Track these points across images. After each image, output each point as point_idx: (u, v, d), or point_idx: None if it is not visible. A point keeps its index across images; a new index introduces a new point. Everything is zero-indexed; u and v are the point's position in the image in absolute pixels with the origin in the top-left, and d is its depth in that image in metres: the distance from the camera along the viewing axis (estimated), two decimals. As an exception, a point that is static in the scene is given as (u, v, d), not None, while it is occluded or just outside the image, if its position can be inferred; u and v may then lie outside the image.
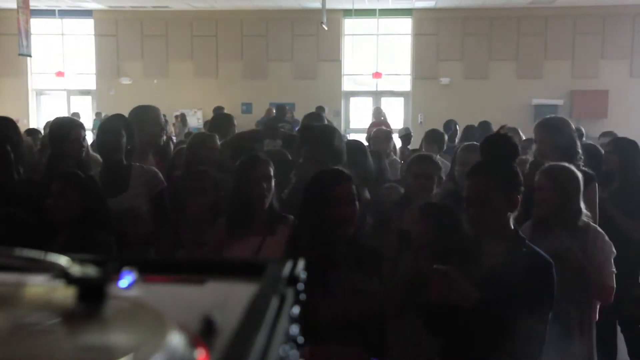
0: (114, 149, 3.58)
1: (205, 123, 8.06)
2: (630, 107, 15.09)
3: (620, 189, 4.26)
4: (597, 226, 3.21)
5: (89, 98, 17.14)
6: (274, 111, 11.97)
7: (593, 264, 3.06)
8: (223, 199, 3.44)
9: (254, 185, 3.00)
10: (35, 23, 12.72)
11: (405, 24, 16.42)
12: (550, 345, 2.87)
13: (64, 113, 15.04)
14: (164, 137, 4.42)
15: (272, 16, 16.02)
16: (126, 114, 4.00)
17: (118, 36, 16.63)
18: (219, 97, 14.83)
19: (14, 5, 9.49)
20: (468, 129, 7.19)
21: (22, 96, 16.74)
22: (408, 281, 2.70)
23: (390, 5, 15.46)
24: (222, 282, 0.78)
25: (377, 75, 16.28)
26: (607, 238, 3.13)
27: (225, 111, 12.11)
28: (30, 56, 10.30)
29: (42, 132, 7.34)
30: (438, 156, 6.27)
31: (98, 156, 3.99)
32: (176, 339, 0.57)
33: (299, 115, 12.57)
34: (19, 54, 9.45)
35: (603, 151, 4.84)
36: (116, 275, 0.67)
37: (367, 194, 3.62)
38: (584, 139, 7.51)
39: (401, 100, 16.61)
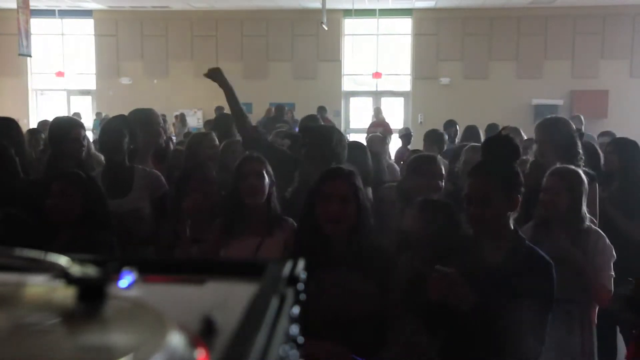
0: (116, 150, 3.57)
1: (206, 123, 8.06)
2: (630, 107, 15.09)
3: (621, 189, 4.25)
4: (598, 229, 3.22)
5: (89, 98, 17.14)
6: (273, 111, 11.97)
7: (593, 267, 3.06)
8: (224, 199, 3.45)
9: (243, 181, 2.98)
10: (35, 23, 12.72)
11: (405, 24, 16.42)
12: (552, 346, 2.87)
13: (64, 113, 15.04)
14: (163, 139, 4.42)
15: (272, 16, 16.02)
16: (125, 115, 4.00)
17: (118, 36, 16.64)
18: (219, 97, 14.67)
19: (14, 5, 9.49)
20: (468, 129, 7.19)
21: (22, 96, 16.74)
22: (407, 281, 2.69)
23: (390, 5, 15.46)
24: (222, 282, 0.78)
25: (377, 75, 16.28)
26: (608, 242, 3.14)
27: (226, 111, 12.11)
28: (30, 56, 10.30)
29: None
30: (438, 156, 6.28)
31: (101, 156, 3.99)
32: (176, 339, 0.57)
33: (299, 115, 12.57)
34: (19, 54, 9.46)
35: (599, 149, 4.85)
36: (116, 275, 0.67)
37: (369, 194, 3.62)
38: (582, 128, 7.53)
39: (401, 100, 16.61)
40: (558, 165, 3.30)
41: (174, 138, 9.44)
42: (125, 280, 0.68)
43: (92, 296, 0.64)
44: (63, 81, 16.70)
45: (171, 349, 0.56)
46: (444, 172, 3.70)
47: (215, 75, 4.03)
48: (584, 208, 3.14)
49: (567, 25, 15.49)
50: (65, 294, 0.65)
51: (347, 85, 16.70)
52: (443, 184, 3.62)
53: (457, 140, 7.23)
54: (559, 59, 15.57)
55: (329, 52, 16.18)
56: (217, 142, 4.44)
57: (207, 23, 16.24)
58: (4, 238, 2.77)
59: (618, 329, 4.31)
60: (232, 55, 16.32)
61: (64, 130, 3.85)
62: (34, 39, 10.11)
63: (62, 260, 0.67)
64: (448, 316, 2.24)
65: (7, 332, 0.58)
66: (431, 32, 15.93)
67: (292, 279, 0.77)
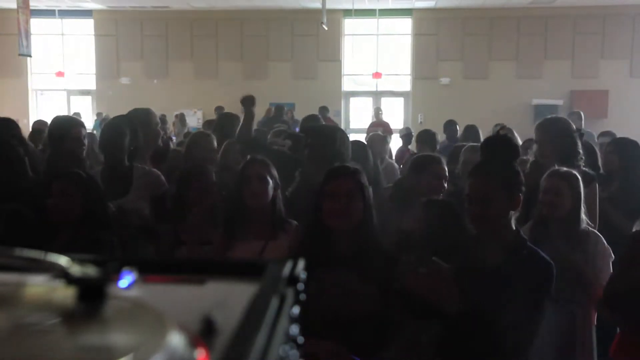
0: (117, 150, 3.57)
1: (205, 123, 8.06)
2: (630, 107, 15.09)
3: (621, 189, 4.25)
4: (595, 231, 3.22)
5: (89, 98, 17.14)
6: (273, 111, 11.97)
7: (593, 268, 3.07)
8: (224, 199, 3.45)
9: (246, 184, 2.98)
10: (35, 23, 12.72)
11: (405, 24, 16.42)
12: (553, 346, 2.88)
13: (64, 113, 15.04)
14: (162, 140, 4.42)
15: (272, 16, 16.02)
16: (127, 115, 4.00)
17: (118, 36, 16.64)
18: (219, 97, 14.82)
19: (14, 5, 9.49)
20: (468, 129, 7.21)
21: (22, 96, 16.74)
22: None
23: (390, 5, 15.46)
24: (222, 282, 0.78)
25: (377, 75, 16.28)
26: (606, 243, 3.14)
27: (226, 111, 12.10)
28: (30, 56, 10.30)
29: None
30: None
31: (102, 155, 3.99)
32: (176, 339, 0.57)
33: (299, 115, 12.57)
34: (19, 54, 9.46)
35: (597, 149, 4.85)
36: (116, 275, 0.67)
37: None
38: (582, 124, 7.53)
39: (401, 100, 16.61)
40: (556, 166, 3.31)
41: (174, 138, 9.44)
42: (125, 280, 0.68)
43: (92, 296, 0.64)
44: (63, 81, 16.70)
45: (171, 349, 0.56)
46: (447, 173, 3.70)
47: (248, 102, 4.17)
48: (583, 210, 3.15)
49: (567, 25, 15.49)
50: (65, 294, 0.65)
51: (347, 85, 16.70)
52: (445, 184, 3.63)
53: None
54: (559, 59, 15.57)
55: (329, 52, 16.18)
56: (214, 143, 4.45)
57: (207, 23, 16.24)
58: (8, 235, 2.78)
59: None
60: (232, 55, 16.32)
61: (64, 129, 3.85)
62: (34, 39, 10.11)
63: (62, 260, 0.67)
64: (439, 316, 2.24)
65: (7, 332, 0.58)
66: (431, 32, 15.93)
67: (292, 279, 0.77)
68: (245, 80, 16.23)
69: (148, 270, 0.75)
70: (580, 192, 3.14)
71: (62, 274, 0.66)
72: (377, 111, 13.66)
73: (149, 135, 3.97)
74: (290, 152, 4.37)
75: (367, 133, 8.47)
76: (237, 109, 13.29)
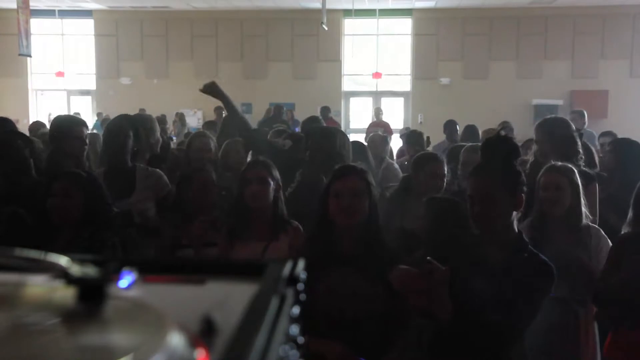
0: (120, 150, 3.57)
1: (205, 124, 8.06)
2: (630, 107, 15.09)
3: (617, 190, 4.25)
4: (597, 226, 3.22)
5: (89, 98, 17.15)
6: (272, 111, 11.97)
7: (597, 263, 3.07)
8: (225, 199, 3.45)
9: (247, 186, 2.99)
10: (35, 23, 12.72)
11: (405, 24, 16.42)
12: (556, 345, 2.88)
13: (64, 113, 15.04)
14: (159, 145, 4.43)
15: (272, 16, 16.02)
16: (130, 115, 3.99)
17: (118, 36, 16.64)
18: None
19: (14, 5, 9.48)
20: (468, 129, 7.23)
21: (22, 96, 16.75)
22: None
23: (390, 5, 15.46)
24: (222, 282, 0.78)
25: (377, 75, 16.29)
26: (608, 240, 3.14)
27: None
28: (30, 56, 10.29)
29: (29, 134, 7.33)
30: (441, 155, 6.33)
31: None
32: (176, 339, 0.57)
33: (298, 115, 12.57)
34: (19, 54, 9.45)
35: (593, 149, 4.85)
36: (116, 275, 0.67)
37: None
38: (585, 126, 7.52)
39: (401, 100, 16.62)
40: (552, 162, 3.31)
41: (174, 138, 9.44)
42: (125, 280, 0.68)
43: (92, 296, 0.64)
44: (63, 81, 16.70)
45: (171, 349, 0.56)
46: (446, 171, 3.70)
47: (211, 89, 4.01)
48: (583, 205, 3.14)
49: (567, 25, 15.49)
50: (65, 294, 0.65)
51: (347, 85, 16.70)
52: (444, 183, 3.63)
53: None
54: (558, 59, 15.57)
55: (329, 52, 16.18)
56: (211, 143, 4.46)
57: (207, 23, 16.24)
58: (9, 236, 2.78)
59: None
60: (232, 55, 16.32)
61: (66, 128, 3.85)
62: (34, 39, 10.11)
63: (62, 260, 0.67)
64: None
65: (7, 332, 0.58)
66: (431, 32, 15.93)
67: (292, 279, 0.77)
68: (245, 80, 16.24)
69: (148, 270, 0.75)
70: (579, 186, 3.14)
71: (62, 274, 0.66)
72: (378, 111, 13.66)
73: (150, 141, 3.98)
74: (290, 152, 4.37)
75: (367, 133, 8.47)
76: (237, 109, 13.16)
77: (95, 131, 8.20)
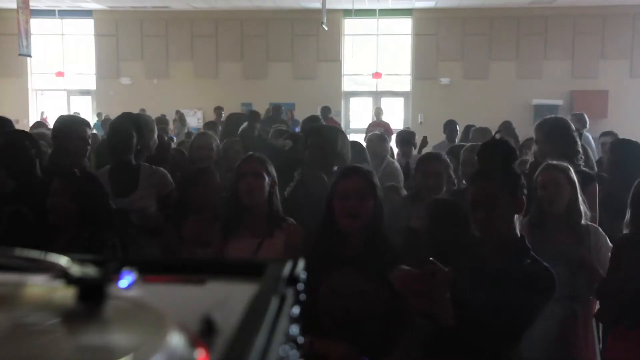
0: (124, 149, 3.57)
1: (206, 125, 8.06)
2: (630, 107, 15.10)
3: (616, 190, 4.24)
4: (595, 225, 3.22)
5: (89, 98, 17.15)
6: (271, 111, 11.97)
7: (597, 261, 3.08)
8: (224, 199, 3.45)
9: (242, 180, 2.98)
10: (35, 23, 12.72)
11: (405, 24, 16.43)
12: (556, 343, 2.88)
13: (64, 113, 15.03)
14: (155, 146, 4.42)
15: (272, 16, 16.03)
16: (134, 113, 3.99)
17: (118, 36, 16.64)
18: (219, 97, 14.84)
19: (14, 5, 9.48)
20: (467, 129, 7.24)
21: (22, 96, 16.75)
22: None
23: (390, 5, 15.46)
24: (222, 282, 0.78)
25: (377, 75, 16.29)
26: (607, 239, 3.15)
27: (225, 112, 12.10)
28: (30, 56, 10.29)
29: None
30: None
31: None
32: (176, 339, 0.57)
33: (299, 115, 12.57)
34: (19, 54, 9.45)
35: (589, 150, 4.85)
36: (116, 275, 0.67)
37: None
38: (587, 128, 7.52)
39: (401, 100, 16.62)
40: (549, 161, 3.31)
41: (174, 138, 9.42)
42: (125, 280, 0.68)
43: (92, 296, 0.64)
44: (63, 81, 16.71)
45: (171, 349, 0.56)
46: (450, 171, 3.70)
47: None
48: (581, 202, 3.15)
49: (567, 25, 15.49)
50: (65, 294, 0.65)
51: (347, 85, 16.71)
52: (444, 182, 3.63)
53: (457, 140, 7.25)
54: (559, 59, 15.57)
55: (329, 52, 16.19)
56: (212, 142, 4.47)
57: (207, 23, 16.25)
58: (11, 235, 2.78)
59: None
60: (232, 55, 16.33)
61: (69, 128, 3.85)
62: (34, 39, 10.10)
63: (62, 260, 0.67)
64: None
65: (7, 332, 0.58)
66: (431, 32, 15.94)
67: (292, 279, 0.77)
68: (245, 80, 16.25)
69: (148, 270, 0.75)
70: (576, 183, 3.14)
71: (62, 274, 0.66)
72: (378, 111, 13.65)
73: (150, 141, 3.98)
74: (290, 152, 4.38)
75: (367, 133, 8.46)
76: (237, 109, 13.34)
77: (95, 131, 8.19)
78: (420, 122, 15.09)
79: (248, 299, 0.69)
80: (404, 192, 3.78)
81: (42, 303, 0.66)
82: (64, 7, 15.58)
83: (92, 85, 17.05)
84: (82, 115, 5.47)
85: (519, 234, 2.36)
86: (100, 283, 0.64)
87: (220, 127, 6.93)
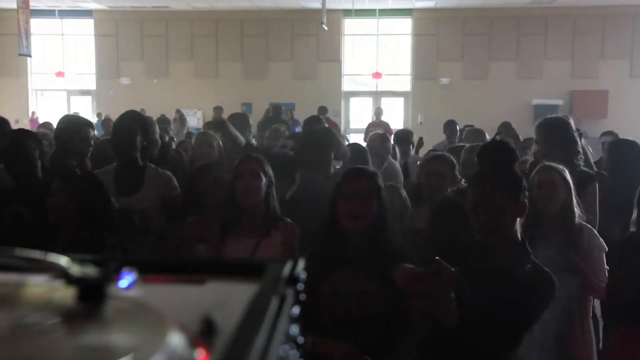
0: (127, 147, 3.54)
1: (206, 125, 8.07)
2: (630, 107, 15.10)
3: (614, 190, 4.24)
4: (588, 225, 3.22)
5: (89, 98, 17.16)
6: (271, 111, 11.97)
7: (588, 262, 3.08)
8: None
9: (238, 180, 2.98)
10: (35, 23, 12.72)
11: (405, 24, 16.43)
12: (554, 343, 2.88)
13: (64, 113, 15.03)
14: (158, 146, 4.42)
15: (272, 16, 16.03)
16: (138, 111, 3.97)
17: (118, 36, 16.65)
18: (219, 97, 14.84)
19: (14, 5, 9.49)
20: (463, 130, 7.27)
21: (22, 96, 16.75)
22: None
23: (390, 5, 15.47)
24: (222, 282, 0.78)
25: (377, 75, 16.29)
26: (599, 237, 3.16)
27: (225, 112, 12.09)
28: (30, 56, 10.30)
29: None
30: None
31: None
32: (176, 339, 0.57)
33: (299, 115, 12.57)
34: (19, 54, 9.45)
35: (587, 149, 4.85)
36: (116, 275, 0.67)
37: None
38: (583, 140, 7.53)
39: (401, 100, 16.62)
40: (545, 162, 3.32)
41: (175, 138, 9.42)
42: (125, 280, 0.68)
43: (92, 296, 0.64)
44: (63, 81, 16.71)
45: (171, 349, 0.56)
46: (455, 171, 3.70)
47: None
48: (575, 204, 3.15)
49: (567, 25, 15.50)
50: (65, 294, 0.65)
51: (347, 85, 16.71)
52: (449, 183, 3.63)
53: (456, 140, 7.26)
54: (558, 59, 15.57)
55: (329, 52, 16.19)
56: (213, 141, 4.47)
57: (207, 23, 16.25)
58: (11, 236, 2.78)
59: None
60: (232, 55, 16.33)
61: (72, 129, 3.84)
62: (34, 39, 10.11)
63: (62, 260, 0.67)
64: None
65: (7, 332, 0.58)
66: (431, 32, 15.94)
67: (292, 279, 0.77)
68: (245, 80, 16.25)
69: (148, 270, 0.75)
70: (571, 184, 3.15)
71: (62, 274, 0.66)
72: (378, 111, 13.66)
73: (153, 139, 3.98)
74: (292, 152, 4.39)
75: (366, 133, 8.46)
76: (237, 109, 13.33)
77: (96, 132, 8.19)
78: (420, 122, 15.09)
79: (248, 299, 0.69)
80: (404, 192, 3.78)
81: (42, 303, 0.66)
82: (64, 7, 15.58)
83: (92, 85, 17.06)
84: (82, 116, 5.46)
85: (519, 238, 2.35)
86: (100, 283, 0.64)
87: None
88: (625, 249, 2.91)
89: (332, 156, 3.87)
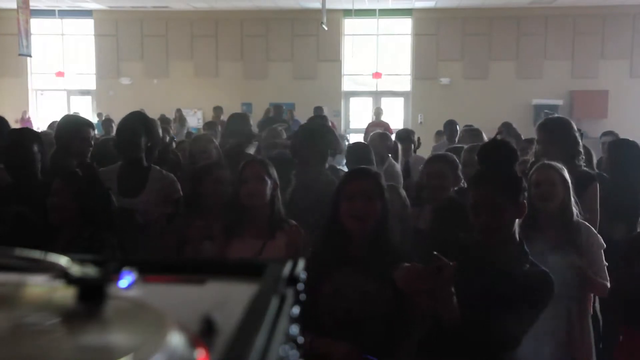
0: (131, 147, 3.54)
1: (205, 125, 8.07)
2: (630, 107, 15.10)
3: (609, 190, 4.24)
4: (586, 223, 3.22)
5: (89, 98, 17.15)
6: (272, 111, 11.98)
7: (587, 260, 3.08)
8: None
9: (243, 184, 2.99)
10: (35, 23, 12.72)
11: (405, 24, 16.43)
12: (553, 341, 2.88)
13: (64, 113, 15.02)
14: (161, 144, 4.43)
15: (272, 16, 16.03)
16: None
17: (118, 36, 16.64)
18: (219, 97, 14.84)
19: (14, 5, 9.49)
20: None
21: (22, 96, 16.75)
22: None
23: (390, 5, 15.46)
24: (222, 282, 0.78)
25: (377, 75, 16.29)
26: (599, 237, 3.16)
27: (224, 111, 12.11)
28: (30, 56, 10.30)
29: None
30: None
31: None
32: (176, 339, 0.57)
33: (299, 115, 12.57)
34: (19, 54, 9.46)
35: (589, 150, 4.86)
36: (116, 275, 0.67)
37: None
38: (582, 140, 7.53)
39: (401, 100, 16.62)
40: (544, 160, 3.32)
41: (175, 138, 9.41)
42: (125, 280, 0.68)
43: (92, 296, 0.64)
44: (63, 81, 16.71)
45: (171, 349, 0.56)
46: (458, 171, 3.70)
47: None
48: (573, 203, 3.16)
49: (567, 25, 15.49)
50: (65, 294, 0.65)
51: (347, 85, 16.71)
52: (450, 183, 3.63)
53: (456, 140, 7.26)
54: (558, 59, 15.57)
55: (329, 52, 16.19)
56: (212, 145, 4.47)
57: (207, 23, 16.25)
58: (13, 237, 2.78)
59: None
60: (232, 55, 16.33)
61: (73, 128, 3.84)
62: (34, 39, 10.11)
63: (62, 260, 0.67)
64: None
65: (7, 332, 0.58)
66: (431, 32, 15.94)
67: (292, 279, 0.77)
68: (245, 80, 16.25)
69: (148, 270, 0.75)
70: (569, 182, 3.15)
71: (62, 274, 0.66)
72: (378, 111, 13.66)
73: (158, 140, 3.98)
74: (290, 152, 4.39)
75: (366, 133, 8.45)
76: (237, 109, 13.33)
77: (96, 132, 8.18)
78: (420, 122, 15.09)
79: (248, 299, 0.69)
80: (403, 192, 3.78)
81: (42, 303, 0.66)
82: (64, 7, 15.58)
83: (92, 85, 17.05)
84: (83, 115, 5.46)
85: (518, 238, 2.35)
86: (100, 283, 0.64)
87: (219, 127, 6.94)
88: (631, 249, 2.91)
89: (328, 151, 3.87)
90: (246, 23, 16.20)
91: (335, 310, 2.35)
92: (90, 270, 0.66)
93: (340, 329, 2.33)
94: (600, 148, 6.26)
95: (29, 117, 15.06)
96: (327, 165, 3.93)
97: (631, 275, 2.80)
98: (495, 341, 2.18)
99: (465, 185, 3.78)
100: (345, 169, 4.10)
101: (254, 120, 8.81)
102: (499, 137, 2.59)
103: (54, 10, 15.34)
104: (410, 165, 5.79)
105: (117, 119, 6.52)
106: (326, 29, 13.51)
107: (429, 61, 15.97)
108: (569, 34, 15.55)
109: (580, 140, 3.87)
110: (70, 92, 17.20)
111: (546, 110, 10.42)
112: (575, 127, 3.93)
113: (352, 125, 16.16)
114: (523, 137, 6.40)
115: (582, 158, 3.82)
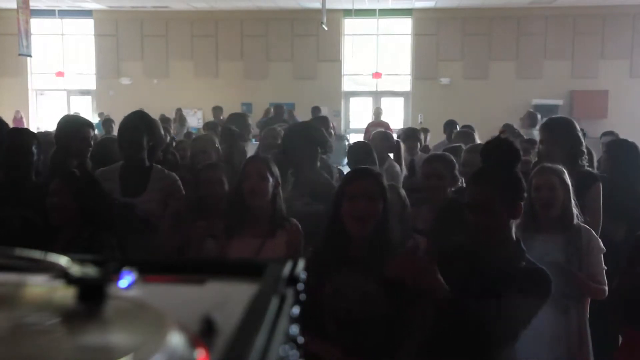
0: (132, 146, 3.53)
1: (205, 125, 8.08)
2: (630, 107, 15.09)
3: (612, 190, 4.24)
4: (587, 226, 3.22)
5: (89, 98, 17.14)
6: (272, 111, 11.97)
7: (587, 264, 3.08)
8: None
9: (245, 182, 2.99)
10: (35, 23, 12.72)
11: (405, 24, 16.42)
12: (551, 341, 2.89)
13: (64, 113, 15.01)
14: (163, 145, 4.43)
15: (272, 16, 16.02)
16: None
17: (118, 36, 16.64)
18: (219, 97, 14.83)
19: (14, 5, 9.49)
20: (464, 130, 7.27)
21: (22, 96, 16.74)
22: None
23: (390, 5, 15.46)
24: (222, 282, 0.78)
25: (377, 75, 16.29)
26: (599, 240, 3.16)
27: (224, 111, 12.09)
28: (30, 56, 10.30)
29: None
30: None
31: None
32: (176, 339, 0.57)
33: (299, 115, 12.57)
34: (19, 54, 9.46)
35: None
36: (116, 275, 0.68)
37: None
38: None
39: (401, 100, 16.62)
40: (544, 164, 3.32)
41: (175, 138, 9.41)
42: (125, 280, 0.68)
43: (92, 296, 0.64)
44: (63, 81, 16.70)
45: (171, 349, 0.56)
46: (455, 171, 3.70)
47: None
48: (573, 205, 3.16)
49: (567, 25, 15.49)
50: (65, 294, 0.65)
51: (347, 85, 16.70)
52: (447, 183, 3.63)
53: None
54: (558, 59, 15.56)
55: (329, 52, 16.18)
56: (210, 143, 4.47)
57: (207, 23, 16.24)
58: (15, 239, 2.78)
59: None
60: (232, 55, 16.32)
61: (73, 128, 3.84)
62: (34, 39, 10.11)
63: (62, 260, 0.67)
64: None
65: (7, 332, 0.58)
66: (431, 32, 15.93)
67: (292, 279, 0.77)
68: (245, 80, 16.24)
69: (148, 270, 0.75)
70: (569, 185, 3.15)
71: (62, 274, 0.66)
72: (378, 111, 13.65)
73: (160, 139, 3.98)
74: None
75: (366, 133, 8.46)
76: (237, 109, 13.32)
77: (97, 132, 8.18)
78: (420, 122, 15.07)
79: (248, 299, 0.69)
80: (403, 192, 3.78)
81: (42, 303, 0.66)
82: (64, 7, 15.57)
83: (92, 85, 17.05)
84: (82, 115, 5.45)
85: (514, 237, 2.35)
86: (100, 283, 0.64)
87: (220, 128, 6.93)
88: (634, 249, 2.90)
89: (318, 150, 3.86)
90: (246, 23, 16.20)
91: (335, 311, 2.35)
92: (90, 270, 0.66)
93: (341, 329, 2.33)
94: (600, 148, 6.27)
95: (21, 117, 15.03)
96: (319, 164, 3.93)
97: (632, 276, 2.79)
98: (492, 338, 2.18)
99: (464, 185, 3.79)
100: (347, 169, 4.10)
101: (254, 121, 8.81)
102: (502, 135, 2.59)
103: (54, 10, 15.34)
104: (416, 163, 5.79)
105: (117, 119, 6.53)
106: (326, 29, 13.50)
107: (429, 61, 15.97)
108: (569, 34, 15.55)
109: (583, 140, 3.87)
110: (70, 92, 17.19)
111: (530, 110, 10.54)
112: (578, 127, 3.93)
113: (352, 125, 16.15)
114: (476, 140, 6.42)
115: (585, 158, 3.82)
